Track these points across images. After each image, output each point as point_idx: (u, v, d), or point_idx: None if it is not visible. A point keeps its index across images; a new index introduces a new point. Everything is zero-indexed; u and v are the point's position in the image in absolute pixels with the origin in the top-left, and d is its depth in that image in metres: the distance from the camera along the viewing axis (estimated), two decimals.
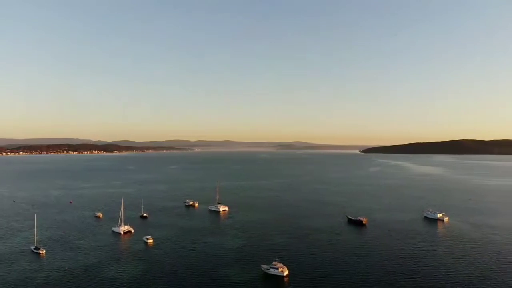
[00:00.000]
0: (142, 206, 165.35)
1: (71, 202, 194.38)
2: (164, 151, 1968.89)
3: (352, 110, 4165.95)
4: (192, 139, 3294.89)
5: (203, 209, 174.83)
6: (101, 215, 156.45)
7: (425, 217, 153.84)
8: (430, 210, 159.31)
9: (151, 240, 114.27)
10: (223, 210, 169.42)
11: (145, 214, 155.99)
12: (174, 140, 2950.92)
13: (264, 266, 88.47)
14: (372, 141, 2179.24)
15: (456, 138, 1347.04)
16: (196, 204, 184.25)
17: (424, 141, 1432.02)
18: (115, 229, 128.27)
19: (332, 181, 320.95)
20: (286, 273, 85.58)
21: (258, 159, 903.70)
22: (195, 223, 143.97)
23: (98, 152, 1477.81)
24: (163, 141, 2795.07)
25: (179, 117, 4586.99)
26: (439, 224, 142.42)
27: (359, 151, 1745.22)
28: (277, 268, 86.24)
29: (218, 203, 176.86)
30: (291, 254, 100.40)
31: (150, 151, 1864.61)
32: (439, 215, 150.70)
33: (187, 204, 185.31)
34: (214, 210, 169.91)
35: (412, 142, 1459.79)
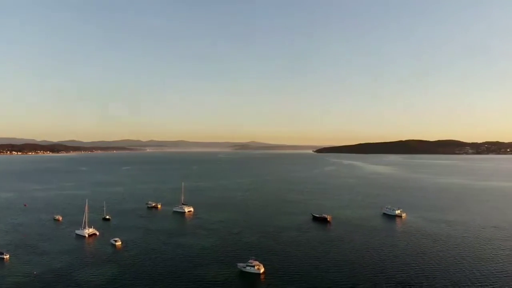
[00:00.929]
0: (105, 208, 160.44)
1: (25, 205, 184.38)
2: (114, 151, 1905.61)
3: (306, 111, 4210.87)
4: (143, 139, 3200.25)
5: (167, 210, 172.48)
6: (60, 218, 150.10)
7: (384, 214, 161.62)
8: (389, 206, 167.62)
9: (120, 243, 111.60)
10: (188, 211, 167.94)
11: (107, 217, 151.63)
12: (124, 140, 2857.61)
13: (240, 264, 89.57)
14: (325, 141, 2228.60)
15: (403, 139, 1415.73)
16: (159, 206, 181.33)
17: (374, 141, 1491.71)
18: (79, 232, 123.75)
19: (292, 180, 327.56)
20: (262, 270, 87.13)
21: (216, 160, 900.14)
22: (161, 224, 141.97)
23: (44, 153, 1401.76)
24: (112, 141, 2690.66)
25: (129, 115, 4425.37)
26: (398, 220, 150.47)
27: (313, 151, 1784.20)
28: (254, 266, 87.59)
29: (183, 204, 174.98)
30: (264, 252, 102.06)
31: (99, 151, 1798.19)
32: (397, 212, 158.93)
33: (149, 205, 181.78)
34: (179, 211, 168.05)
35: (362, 142, 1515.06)
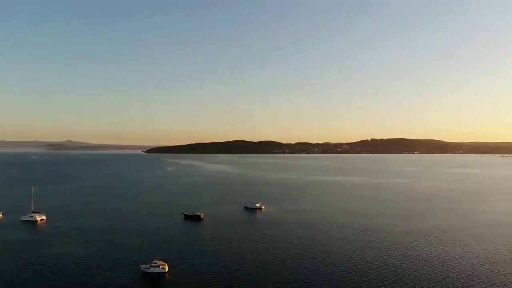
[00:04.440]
0: None
1: None
2: None
3: (131, 108, 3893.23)
4: None
5: (12, 220, 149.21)
6: None
7: (246, 207, 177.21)
8: (250, 201, 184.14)
9: None
10: (40, 220, 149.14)
11: None
12: None
13: (143, 266, 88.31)
14: (153, 140, 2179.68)
15: (231, 139, 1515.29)
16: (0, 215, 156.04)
17: (204, 142, 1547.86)
18: None
19: (140, 182, 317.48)
20: (166, 269, 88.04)
21: (32, 162, 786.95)
22: (17, 236, 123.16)
23: None
24: None
25: None
26: (259, 212, 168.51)
27: (142, 151, 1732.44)
28: (158, 266, 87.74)
29: (33, 211, 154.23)
30: (156, 253, 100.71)
31: None
32: (257, 205, 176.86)
33: None
34: (30, 220, 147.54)
35: (193, 142, 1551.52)
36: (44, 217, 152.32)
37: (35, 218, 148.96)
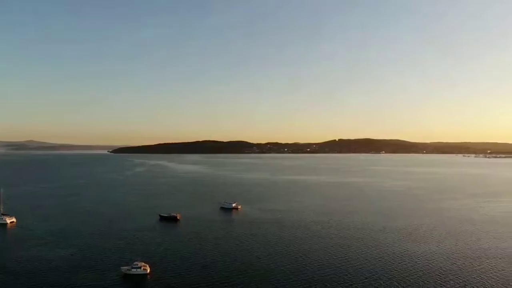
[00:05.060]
0: None
1: None
2: None
3: (96, 107, 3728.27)
4: None
5: None
6: None
7: (222, 208, 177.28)
8: (226, 201, 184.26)
9: None
10: (10, 222, 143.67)
11: None
12: None
13: (124, 268, 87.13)
14: (120, 140, 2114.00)
15: (199, 140, 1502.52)
16: None
17: (172, 142, 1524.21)
18: None
19: (110, 183, 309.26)
20: (148, 270, 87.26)
21: None
22: None
23: None
24: None
25: None
26: (235, 212, 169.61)
27: (108, 151, 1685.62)
28: (140, 267, 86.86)
29: (3, 214, 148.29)
30: (136, 255, 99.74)
31: None
32: (234, 205, 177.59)
33: None
34: (0, 223, 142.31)
35: (161, 142, 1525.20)
36: (14, 219, 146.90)
37: (5, 220, 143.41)
